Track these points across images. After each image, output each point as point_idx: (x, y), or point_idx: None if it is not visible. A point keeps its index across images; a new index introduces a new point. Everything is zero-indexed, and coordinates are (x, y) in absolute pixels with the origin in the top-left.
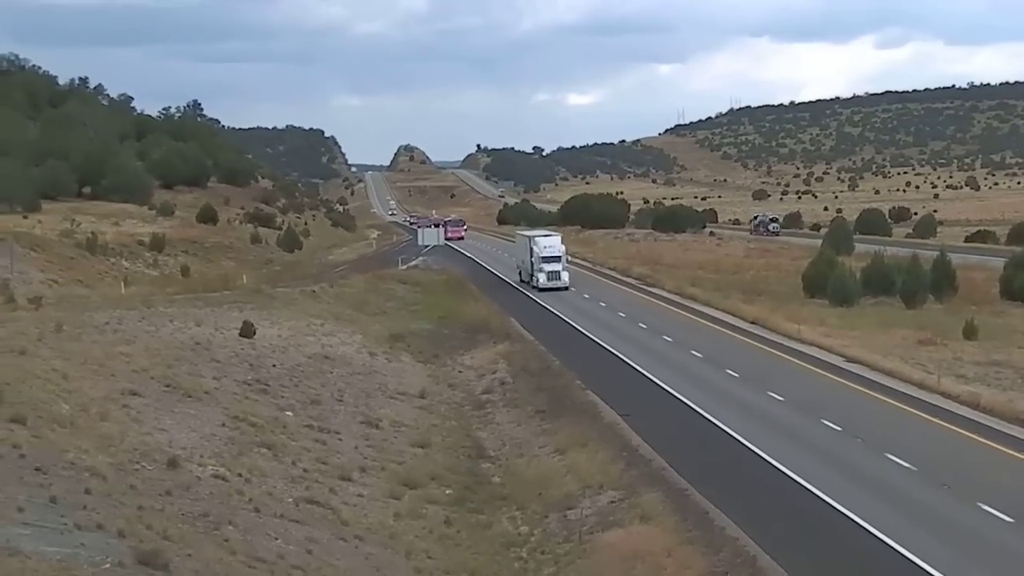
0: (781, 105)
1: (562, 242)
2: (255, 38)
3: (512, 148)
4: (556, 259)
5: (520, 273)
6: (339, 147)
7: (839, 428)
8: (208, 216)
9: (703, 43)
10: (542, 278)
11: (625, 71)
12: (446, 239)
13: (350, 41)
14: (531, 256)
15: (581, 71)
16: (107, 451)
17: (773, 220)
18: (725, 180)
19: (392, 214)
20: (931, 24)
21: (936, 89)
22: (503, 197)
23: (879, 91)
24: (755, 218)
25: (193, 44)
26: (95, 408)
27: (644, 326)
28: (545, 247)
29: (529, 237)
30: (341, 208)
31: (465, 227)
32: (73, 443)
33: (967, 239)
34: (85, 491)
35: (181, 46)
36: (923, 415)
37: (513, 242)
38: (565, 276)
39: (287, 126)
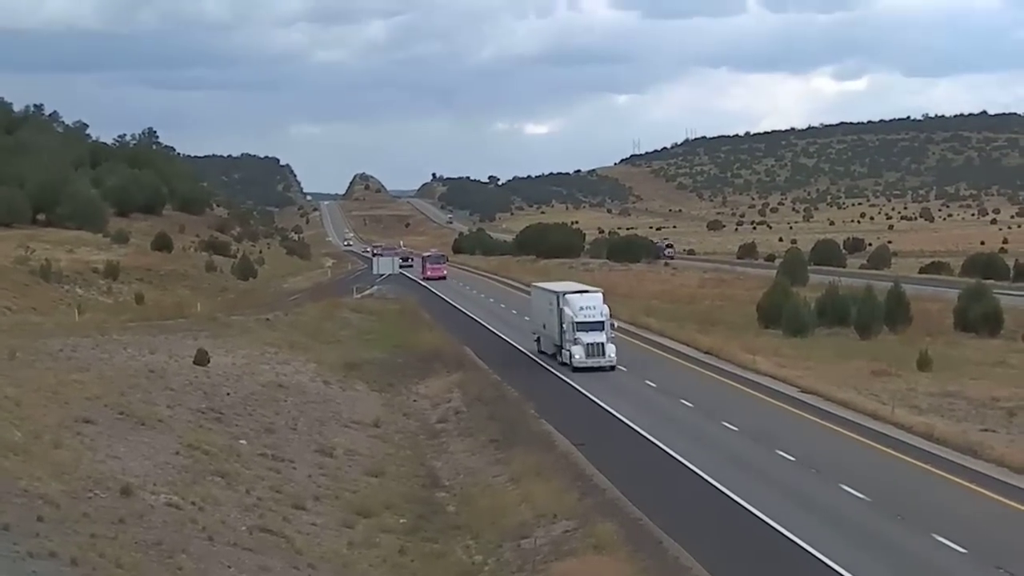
0: (736, 136)
1: (605, 301)
2: (214, 65)
3: (468, 177)
4: (598, 326)
5: (538, 340)
6: (294, 175)
7: (793, 458)
8: (163, 244)
9: (662, 74)
10: (578, 353)
11: (583, 101)
12: (424, 277)
13: (309, 70)
14: (560, 320)
15: (539, 101)
16: (60, 479)
17: (668, 246)
18: (680, 210)
19: (348, 244)
20: (890, 55)
21: (891, 120)
22: (451, 223)
23: (834, 122)
24: (653, 244)
25: (150, 71)
26: (48, 435)
27: None
28: (581, 309)
29: (557, 294)
30: (296, 236)
31: (447, 263)
32: (26, 471)
33: (921, 270)
34: (38, 519)
35: (138, 73)
36: (877, 446)
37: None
38: (611, 351)
39: (242, 154)
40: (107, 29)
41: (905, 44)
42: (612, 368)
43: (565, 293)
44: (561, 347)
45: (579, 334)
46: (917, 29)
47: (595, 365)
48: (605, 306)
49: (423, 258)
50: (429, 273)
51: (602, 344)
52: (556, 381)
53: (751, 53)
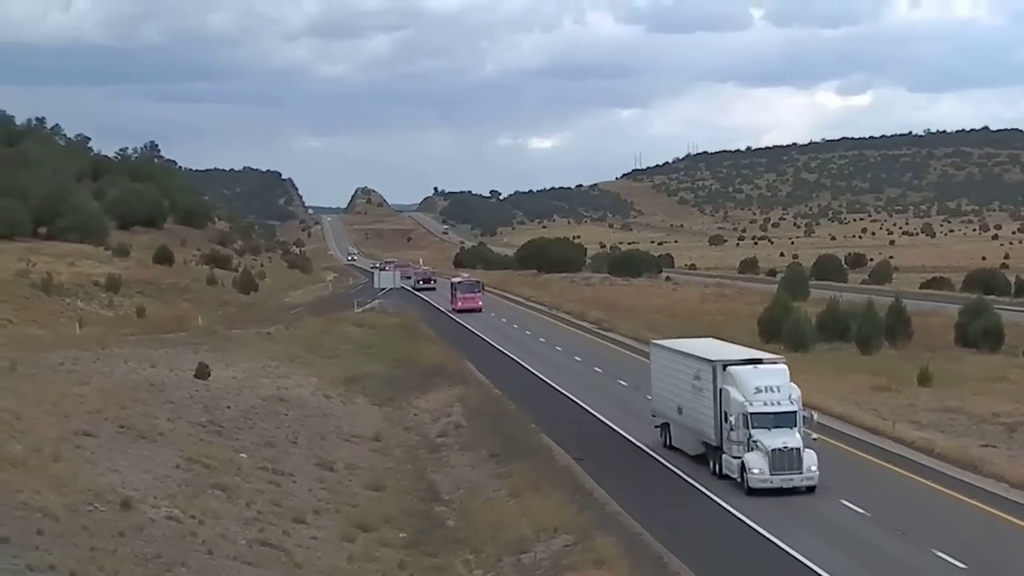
0: (738, 151)
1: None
2: (218, 79)
3: (470, 191)
4: (787, 420)
5: (666, 429)
6: (296, 189)
7: None
8: (164, 257)
9: (667, 88)
10: (757, 465)
11: (587, 115)
12: (456, 309)
13: (313, 83)
14: (718, 406)
15: (544, 115)
16: (60, 492)
17: None
18: (682, 225)
19: (352, 259)
20: (894, 71)
21: (893, 136)
22: (447, 234)
23: (836, 137)
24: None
25: (154, 84)
26: (48, 448)
27: (599, 370)
28: (758, 391)
29: (711, 363)
30: (298, 250)
31: (483, 291)
32: (26, 483)
33: (922, 285)
34: (38, 532)
35: (142, 86)
36: (878, 461)
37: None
38: (811, 461)
39: (244, 167)
40: (111, 43)
41: (910, 59)
42: (812, 490)
43: (727, 364)
44: (719, 450)
45: (757, 433)
46: (922, 45)
47: (786, 485)
48: (794, 386)
49: (452, 285)
50: (460, 304)
51: (796, 451)
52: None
53: (756, 68)
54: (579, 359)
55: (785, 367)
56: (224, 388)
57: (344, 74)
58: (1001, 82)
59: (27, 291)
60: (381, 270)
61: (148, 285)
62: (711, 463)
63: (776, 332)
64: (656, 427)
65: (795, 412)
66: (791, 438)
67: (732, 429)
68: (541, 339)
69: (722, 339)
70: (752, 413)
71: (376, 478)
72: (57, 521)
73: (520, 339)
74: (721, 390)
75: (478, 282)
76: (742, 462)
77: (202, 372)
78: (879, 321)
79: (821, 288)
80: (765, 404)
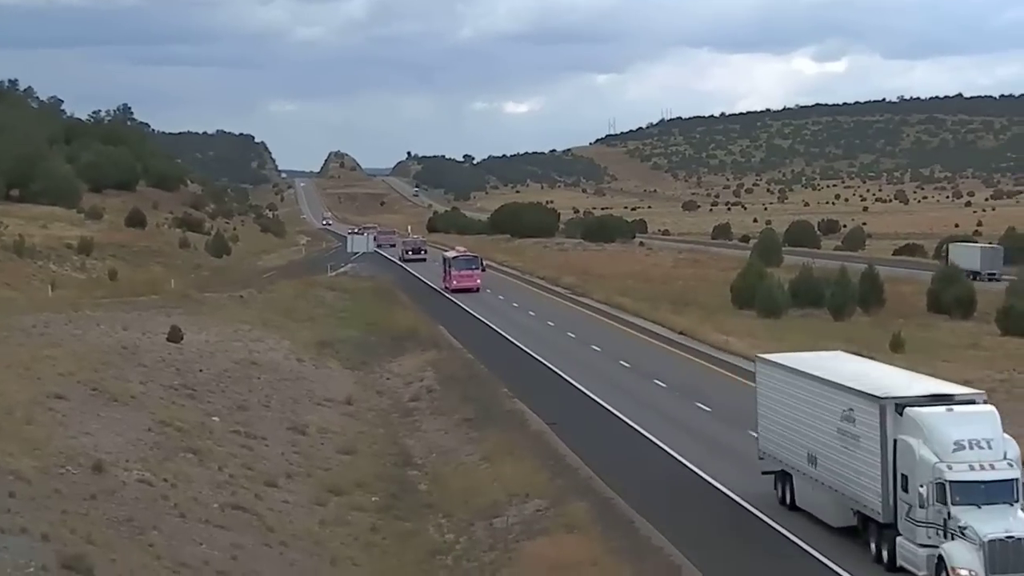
0: (712, 116)
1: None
2: (192, 42)
3: (443, 156)
4: (1005, 491)
5: (787, 486)
6: (269, 153)
7: None
8: (137, 220)
9: (643, 53)
10: (967, 562)
11: (562, 80)
12: (451, 288)
13: (288, 47)
14: (890, 465)
15: (520, 80)
16: (32, 455)
17: None
18: (655, 191)
19: (327, 223)
20: (870, 37)
21: (866, 103)
22: (417, 195)
23: (810, 103)
24: None
25: (129, 47)
26: (20, 411)
27: (573, 335)
28: (958, 447)
29: (880, 402)
30: (271, 214)
31: (482, 268)
32: None
33: (895, 252)
34: (9, 494)
35: (116, 49)
36: None
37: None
38: None
39: (217, 131)
40: (85, 4)
41: (886, 26)
42: None
43: (903, 404)
44: (891, 528)
45: (961, 512)
46: (898, 11)
47: None
48: (1009, 438)
49: (445, 260)
50: (456, 283)
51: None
52: None
53: (733, 33)
54: (552, 324)
55: (992, 408)
56: (197, 352)
57: (320, 37)
58: (976, 49)
59: None
60: (356, 234)
61: (120, 248)
62: (873, 545)
63: (749, 298)
64: (766, 474)
65: (1016, 480)
66: (1015, 521)
67: (920, 505)
68: (514, 304)
69: (694, 303)
70: (953, 482)
71: (348, 442)
72: (29, 484)
73: (493, 304)
74: (896, 442)
75: (476, 257)
76: (938, 556)
77: (174, 335)
78: (852, 288)
79: (794, 254)
80: (972, 468)
